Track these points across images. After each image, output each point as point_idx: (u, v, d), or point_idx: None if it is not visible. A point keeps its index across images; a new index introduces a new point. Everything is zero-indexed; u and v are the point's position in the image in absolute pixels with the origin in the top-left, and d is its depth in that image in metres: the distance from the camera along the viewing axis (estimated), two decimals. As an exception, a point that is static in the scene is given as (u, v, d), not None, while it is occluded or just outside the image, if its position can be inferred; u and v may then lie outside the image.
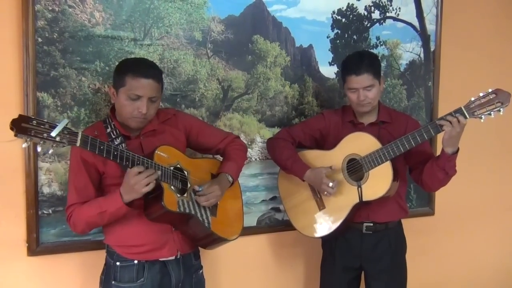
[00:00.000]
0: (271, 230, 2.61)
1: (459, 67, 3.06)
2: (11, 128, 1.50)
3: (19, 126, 1.51)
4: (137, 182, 1.70)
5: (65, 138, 1.58)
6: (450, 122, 1.99)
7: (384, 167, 2.13)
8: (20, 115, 1.53)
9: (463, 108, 2.01)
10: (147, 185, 1.72)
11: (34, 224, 2.08)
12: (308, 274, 2.72)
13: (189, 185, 1.92)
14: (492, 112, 2.00)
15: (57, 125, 1.57)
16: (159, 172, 1.76)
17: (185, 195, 1.89)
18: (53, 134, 1.55)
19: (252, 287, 2.62)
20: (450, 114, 2.02)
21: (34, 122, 1.53)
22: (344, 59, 2.27)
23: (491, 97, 1.99)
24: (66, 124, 1.59)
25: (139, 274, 1.88)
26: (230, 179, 2.04)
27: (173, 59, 2.31)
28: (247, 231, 2.47)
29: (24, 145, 1.56)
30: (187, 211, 1.86)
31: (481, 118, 2.01)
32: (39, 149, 1.57)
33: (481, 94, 2.01)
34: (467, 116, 2.00)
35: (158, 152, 1.83)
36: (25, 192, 2.07)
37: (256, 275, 2.63)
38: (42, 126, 1.54)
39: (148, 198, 1.83)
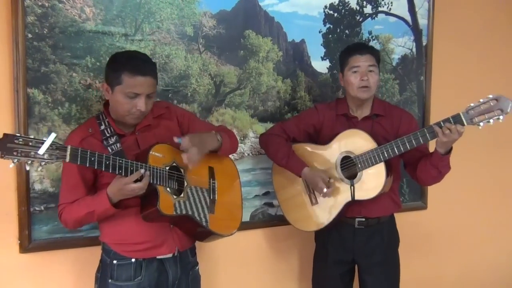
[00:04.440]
0: (264, 225, 2.61)
1: (451, 61, 3.06)
2: None
3: (4, 146, 1.45)
4: (133, 190, 1.70)
5: (54, 154, 1.54)
6: (449, 130, 1.96)
7: (378, 168, 2.13)
8: (4, 134, 1.48)
9: (461, 114, 1.97)
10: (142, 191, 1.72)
11: (26, 221, 2.07)
12: (302, 267, 2.72)
13: (185, 183, 1.89)
14: (491, 120, 1.94)
15: (44, 141, 1.52)
16: (148, 173, 1.72)
17: (182, 195, 1.86)
18: (41, 152, 1.50)
19: (246, 281, 2.63)
20: (448, 120, 1.98)
21: (20, 140, 1.48)
22: (344, 48, 2.30)
23: (491, 104, 1.93)
24: (54, 139, 1.53)
25: (136, 272, 1.87)
26: (219, 138, 1.98)
27: (165, 55, 2.30)
28: (240, 226, 2.46)
29: (11, 165, 1.51)
30: (184, 212, 1.84)
31: (479, 125, 1.96)
32: (27, 168, 1.53)
33: (481, 100, 1.95)
34: (465, 123, 1.95)
35: (153, 153, 1.79)
36: (16, 189, 2.06)
37: (250, 269, 2.63)
38: (29, 144, 1.49)
39: (143, 201, 1.81)
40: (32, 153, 1.50)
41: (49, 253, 2.13)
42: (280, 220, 2.51)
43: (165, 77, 2.31)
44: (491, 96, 1.95)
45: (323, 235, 2.35)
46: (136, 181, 1.71)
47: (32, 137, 1.52)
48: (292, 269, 2.74)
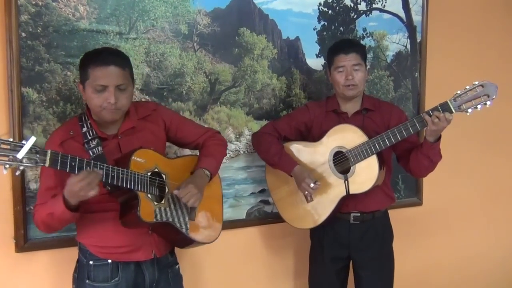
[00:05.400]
0: (260, 223, 2.61)
1: (445, 58, 3.07)
2: None
3: None
4: (81, 189, 1.60)
5: (33, 158, 1.49)
6: (438, 118, 1.98)
7: (370, 161, 2.14)
8: None
9: (449, 102, 2.00)
10: (91, 189, 1.62)
11: (22, 220, 2.06)
12: (298, 264, 2.73)
13: (167, 190, 1.86)
14: (478, 106, 1.97)
15: (23, 145, 1.47)
16: (101, 172, 1.64)
17: (163, 201, 1.83)
18: (19, 156, 1.45)
19: (242, 278, 2.63)
20: (436, 108, 2.01)
21: None
22: (330, 46, 2.31)
23: (478, 90, 1.97)
24: (34, 143, 1.48)
25: (113, 273, 1.84)
26: (208, 173, 1.95)
27: (159, 53, 2.30)
28: (236, 224, 2.49)
29: None
30: (164, 219, 1.81)
31: (467, 112, 1.99)
32: (4, 172, 1.47)
33: (467, 87, 1.98)
34: (453, 110, 1.98)
35: (135, 158, 1.75)
36: (12, 188, 2.05)
37: (246, 267, 2.63)
38: (7, 147, 1.45)
39: (123, 206, 1.78)
40: (11, 156, 1.45)
41: (45, 252, 2.13)
42: (275, 218, 2.51)
43: (160, 75, 2.31)
44: (476, 82, 1.98)
45: (318, 233, 2.36)
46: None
47: (11, 140, 1.48)
48: (288, 266, 2.75)
